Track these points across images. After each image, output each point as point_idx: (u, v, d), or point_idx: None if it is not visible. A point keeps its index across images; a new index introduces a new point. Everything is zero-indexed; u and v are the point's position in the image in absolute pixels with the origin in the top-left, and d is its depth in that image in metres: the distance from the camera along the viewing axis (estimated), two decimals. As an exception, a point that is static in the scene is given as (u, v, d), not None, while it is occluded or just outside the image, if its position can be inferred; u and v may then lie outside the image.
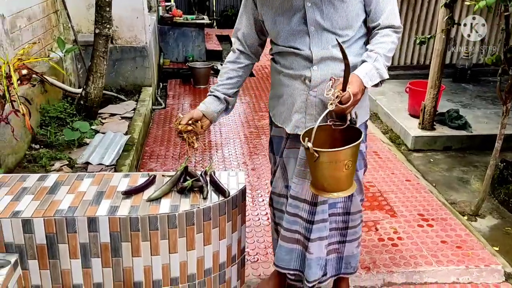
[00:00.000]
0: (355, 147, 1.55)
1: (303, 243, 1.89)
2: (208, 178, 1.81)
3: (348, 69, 1.50)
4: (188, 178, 1.78)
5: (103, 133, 3.40)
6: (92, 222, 1.58)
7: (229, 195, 1.71)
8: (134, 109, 4.07)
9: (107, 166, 2.90)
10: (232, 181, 1.83)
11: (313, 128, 1.56)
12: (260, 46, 1.89)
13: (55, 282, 1.64)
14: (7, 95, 1.99)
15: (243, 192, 1.80)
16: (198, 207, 1.64)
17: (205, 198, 1.69)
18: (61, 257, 1.61)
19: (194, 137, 1.77)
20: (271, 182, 2.05)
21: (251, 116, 4.70)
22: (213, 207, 1.67)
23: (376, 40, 1.65)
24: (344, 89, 1.52)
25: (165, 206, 1.64)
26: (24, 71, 2.17)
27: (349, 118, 1.60)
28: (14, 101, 2.12)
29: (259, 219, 2.83)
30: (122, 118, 3.85)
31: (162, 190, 1.70)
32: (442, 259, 2.47)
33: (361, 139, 1.56)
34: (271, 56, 1.86)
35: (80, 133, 3.15)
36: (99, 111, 3.85)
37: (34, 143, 3.14)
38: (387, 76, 1.63)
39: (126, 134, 3.44)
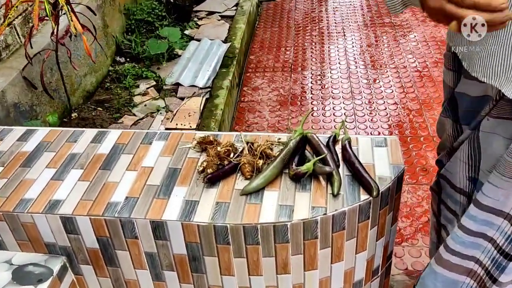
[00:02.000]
0: None
1: (482, 282, 1.12)
2: (339, 151, 1.10)
3: None
4: (306, 153, 1.09)
5: (198, 40, 2.75)
6: (159, 229, 1.02)
7: (378, 194, 0.99)
8: (237, 5, 3.30)
9: (201, 88, 2.30)
10: (379, 159, 1.10)
11: None
12: None
13: (120, 292, 1.18)
14: (47, 7, 1.38)
15: (399, 179, 1.07)
16: (325, 214, 0.97)
17: (335, 195, 1.00)
18: (122, 266, 1.12)
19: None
20: (438, 162, 1.25)
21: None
22: (349, 212, 0.98)
23: None
24: None
25: (269, 207, 1.00)
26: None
27: None
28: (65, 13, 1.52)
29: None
30: (222, 17, 3.13)
31: (266, 178, 1.04)
32: None
33: None
34: None
35: (169, 43, 2.54)
36: (194, 9, 3.16)
37: (118, 55, 2.63)
38: None
39: (225, 41, 2.75)
